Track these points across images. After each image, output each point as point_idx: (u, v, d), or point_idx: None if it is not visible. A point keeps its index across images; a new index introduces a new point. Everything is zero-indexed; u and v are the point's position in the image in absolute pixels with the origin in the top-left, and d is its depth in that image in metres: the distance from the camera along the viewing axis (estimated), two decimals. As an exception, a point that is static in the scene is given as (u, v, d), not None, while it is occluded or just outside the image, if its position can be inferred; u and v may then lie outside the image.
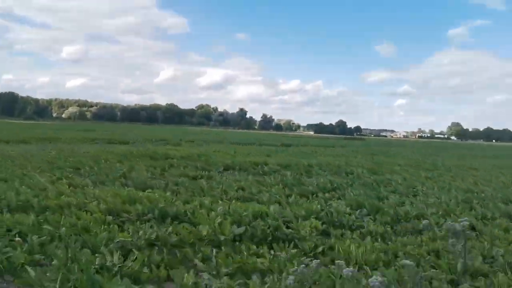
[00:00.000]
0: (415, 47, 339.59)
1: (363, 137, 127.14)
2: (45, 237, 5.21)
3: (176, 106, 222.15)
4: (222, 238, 5.70)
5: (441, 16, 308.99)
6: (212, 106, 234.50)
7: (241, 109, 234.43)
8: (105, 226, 6.06)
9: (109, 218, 6.57)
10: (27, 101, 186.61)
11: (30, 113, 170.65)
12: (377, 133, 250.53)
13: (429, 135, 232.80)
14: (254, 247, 5.55)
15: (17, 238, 4.96)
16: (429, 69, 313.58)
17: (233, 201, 9.07)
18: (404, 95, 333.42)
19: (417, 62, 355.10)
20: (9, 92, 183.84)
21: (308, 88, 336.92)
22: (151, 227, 6.13)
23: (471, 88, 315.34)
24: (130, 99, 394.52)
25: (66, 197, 7.82)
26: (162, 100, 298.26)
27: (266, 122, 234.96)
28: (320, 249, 5.70)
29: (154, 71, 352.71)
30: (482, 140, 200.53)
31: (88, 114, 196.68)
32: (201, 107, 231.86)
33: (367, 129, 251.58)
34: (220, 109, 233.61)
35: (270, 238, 6.06)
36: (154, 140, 35.47)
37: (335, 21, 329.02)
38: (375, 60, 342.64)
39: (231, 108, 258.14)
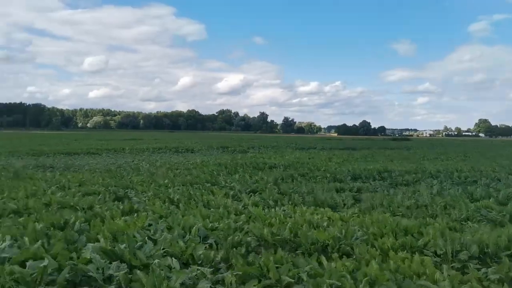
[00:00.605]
0: (435, 44, 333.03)
1: (408, 137, 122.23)
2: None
3: (198, 112, 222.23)
4: None
5: (460, 11, 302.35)
6: (233, 111, 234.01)
7: (262, 113, 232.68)
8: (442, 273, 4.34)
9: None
10: (53, 112, 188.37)
11: (57, 124, 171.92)
12: (400, 132, 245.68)
13: (456, 133, 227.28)
14: None
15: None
16: (450, 66, 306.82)
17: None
18: (425, 93, 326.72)
19: (437, 59, 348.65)
20: (36, 104, 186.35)
21: (326, 89, 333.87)
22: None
23: (494, 83, 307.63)
24: (150, 107, 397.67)
25: (313, 227, 6.12)
26: (181, 107, 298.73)
27: (288, 125, 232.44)
28: None
29: (172, 79, 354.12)
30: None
31: (112, 123, 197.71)
32: (222, 112, 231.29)
33: (389, 129, 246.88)
34: (239, 114, 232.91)
35: None
36: (215, 148, 33.91)
37: (352, 21, 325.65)
38: (394, 58, 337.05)
39: (251, 113, 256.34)
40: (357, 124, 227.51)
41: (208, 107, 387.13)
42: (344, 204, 9.00)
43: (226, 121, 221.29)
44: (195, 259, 4.46)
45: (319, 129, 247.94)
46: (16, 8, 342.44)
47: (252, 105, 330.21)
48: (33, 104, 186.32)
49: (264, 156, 23.95)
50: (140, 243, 4.89)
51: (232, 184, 11.68)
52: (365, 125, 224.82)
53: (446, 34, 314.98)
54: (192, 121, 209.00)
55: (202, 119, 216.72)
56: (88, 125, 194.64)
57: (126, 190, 9.94)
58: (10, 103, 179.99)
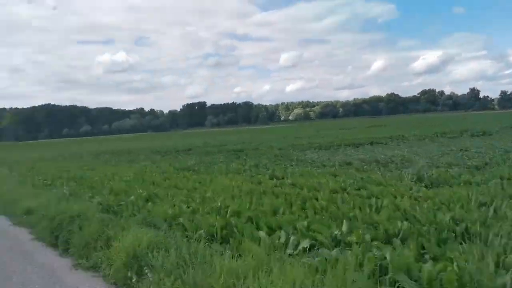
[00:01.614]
0: None
1: None
2: None
3: (397, 95, 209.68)
4: None
5: None
6: (437, 90, 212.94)
7: (473, 89, 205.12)
8: None
9: None
10: (259, 108, 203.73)
11: (263, 119, 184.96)
12: None
13: None
14: None
15: None
16: None
17: None
18: None
19: None
20: (246, 102, 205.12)
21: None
22: None
23: None
24: (343, 95, 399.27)
25: None
26: (375, 92, 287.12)
27: (506, 100, 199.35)
28: None
29: (364, 64, 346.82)
30: None
31: (312, 114, 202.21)
32: (424, 92, 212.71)
33: None
34: (445, 93, 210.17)
35: None
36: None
37: None
38: None
39: (455, 90, 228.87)
40: None
41: (405, 89, 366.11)
42: None
43: (430, 101, 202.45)
44: None
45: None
46: (220, 19, 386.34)
47: (454, 82, 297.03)
48: (243, 103, 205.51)
49: None
50: None
51: None
52: None
53: None
54: (392, 105, 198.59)
55: (403, 101, 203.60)
56: (290, 117, 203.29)
57: None
58: (224, 104, 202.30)
